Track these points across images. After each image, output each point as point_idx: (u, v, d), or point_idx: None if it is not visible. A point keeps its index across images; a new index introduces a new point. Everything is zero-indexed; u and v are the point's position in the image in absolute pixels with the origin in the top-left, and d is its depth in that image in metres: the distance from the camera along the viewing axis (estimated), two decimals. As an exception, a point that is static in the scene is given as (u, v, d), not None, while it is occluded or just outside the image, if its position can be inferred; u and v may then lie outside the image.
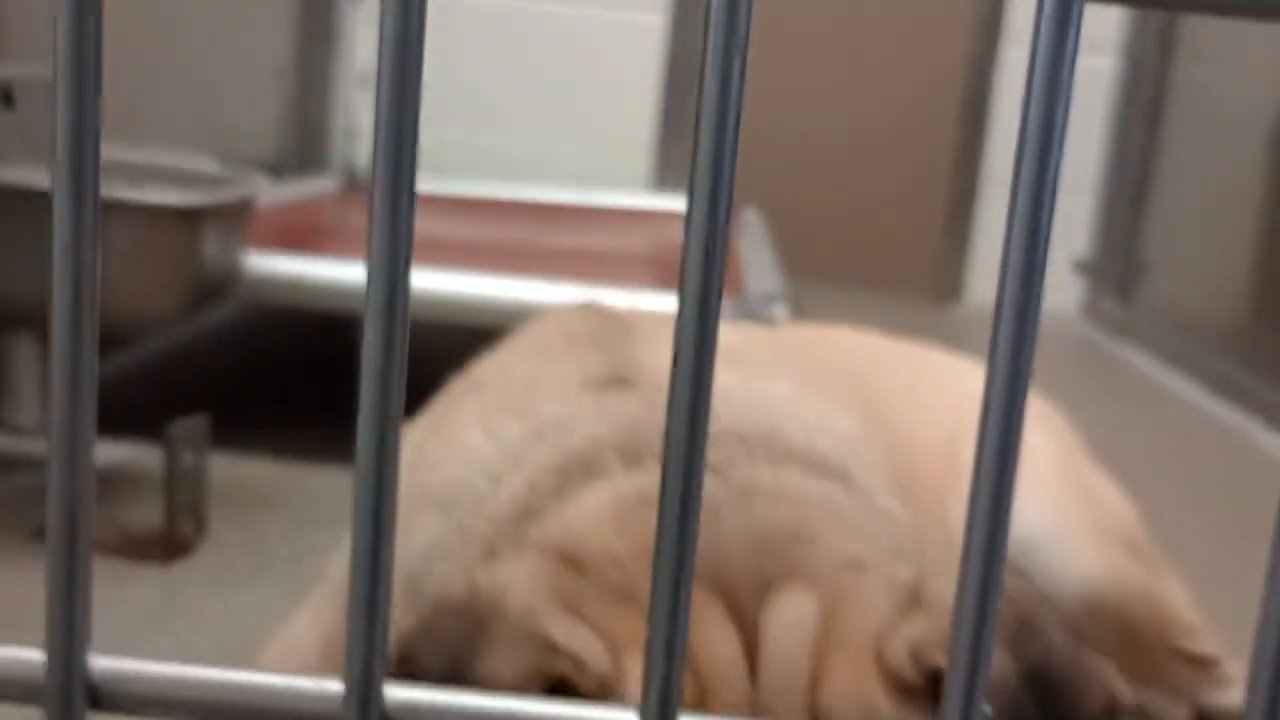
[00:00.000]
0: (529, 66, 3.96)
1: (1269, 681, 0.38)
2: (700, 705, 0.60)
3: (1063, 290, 4.05)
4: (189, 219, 1.64)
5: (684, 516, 0.38)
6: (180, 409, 1.57)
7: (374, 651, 0.41)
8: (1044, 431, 1.31)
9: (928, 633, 0.63)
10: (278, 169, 3.12)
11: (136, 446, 1.84)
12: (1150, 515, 1.44)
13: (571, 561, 0.64)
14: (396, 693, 0.42)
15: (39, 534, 1.57)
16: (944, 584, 0.64)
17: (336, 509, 1.76)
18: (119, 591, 1.44)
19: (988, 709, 0.41)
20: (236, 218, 1.80)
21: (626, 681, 0.59)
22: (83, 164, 0.37)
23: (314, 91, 3.65)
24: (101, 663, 0.43)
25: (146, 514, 1.60)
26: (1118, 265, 3.95)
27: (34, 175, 1.77)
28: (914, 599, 0.65)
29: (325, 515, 1.74)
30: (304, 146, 3.55)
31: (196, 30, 2.81)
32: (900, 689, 0.61)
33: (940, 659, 0.62)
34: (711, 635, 0.61)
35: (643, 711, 0.41)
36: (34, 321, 1.80)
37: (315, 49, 3.65)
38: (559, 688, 0.59)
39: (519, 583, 0.62)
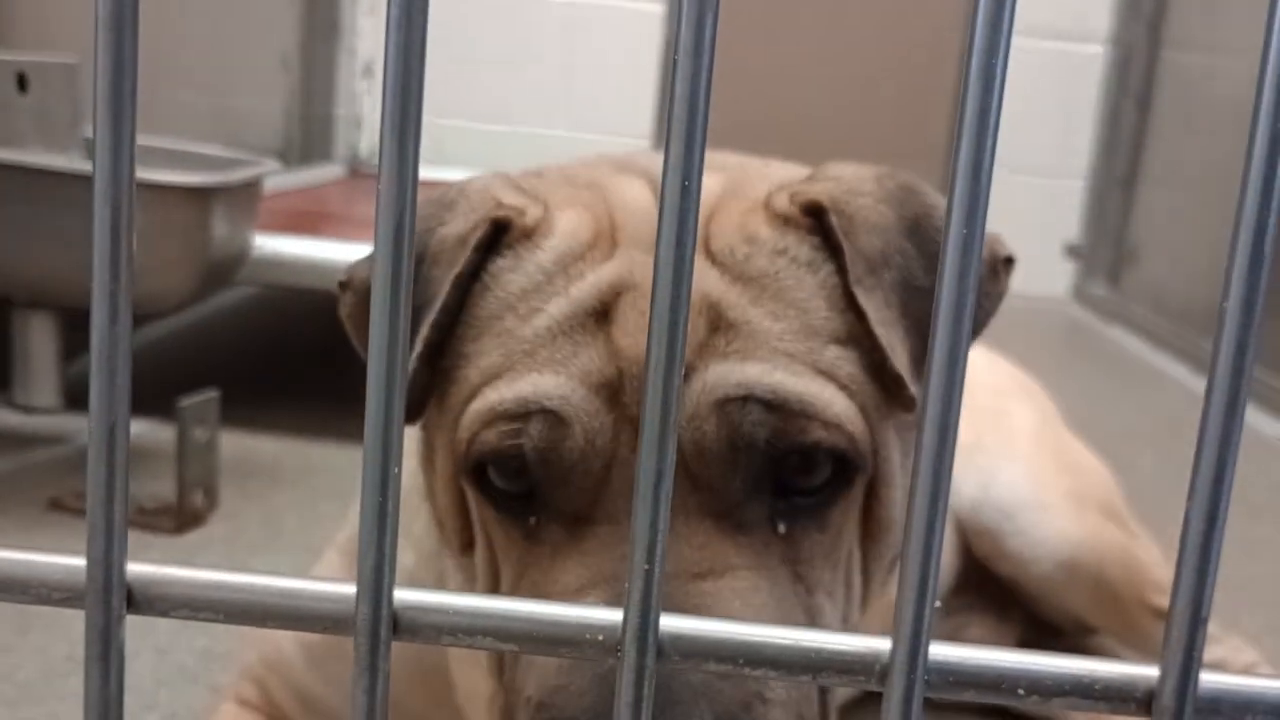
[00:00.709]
0: (529, 54, 3.99)
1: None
2: (610, 239, 0.72)
3: (1053, 274, 4.10)
4: (200, 198, 1.69)
5: (663, 429, 0.43)
6: (192, 386, 1.62)
7: (384, 556, 0.45)
8: (1025, 404, 1.35)
9: (812, 187, 0.73)
10: (284, 157, 3.17)
11: (150, 423, 1.89)
12: (1137, 489, 1.48)
13: (533, 171, 0.82)
14: (405, 595, 0.47)
15: (56, 505, 1.62)
16: (840, 166, 0.76)
17: (343, 482, 1.81)
18: (134, 559, 1.49)
19: (938, 602, 0.46)
20: (246, 198, 1.84)
21: (555, 225, 0.73)
22: (120, 146, 0.42)
23: (318, 81, 3.69)
24: (138, 568, 0.47)
25: (160, 488, 1.65)
26: (1108, 249, 3.99)
27: (48, 158, 1.82)
28: (810, 178, 0.76)
29: (332, 488, 1.79)
30: (309, 135, 3.59)
31: (203, 21, 2.85)
32: (781, 221, 0.72)
33: (818, 196, 0.72)
34: (631, 190, 0.76)
35: (626, 609, 0.45)
36: (48, 299, 1.85)
37: (319, 40, 3.70)
38: (499, 237, 0.72)
39: (486, 179, 0.78)
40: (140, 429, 1.87)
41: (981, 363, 1.35)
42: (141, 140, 0.41)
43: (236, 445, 1.87)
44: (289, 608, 0.47)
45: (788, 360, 0.67)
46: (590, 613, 0.45)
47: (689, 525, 0.66)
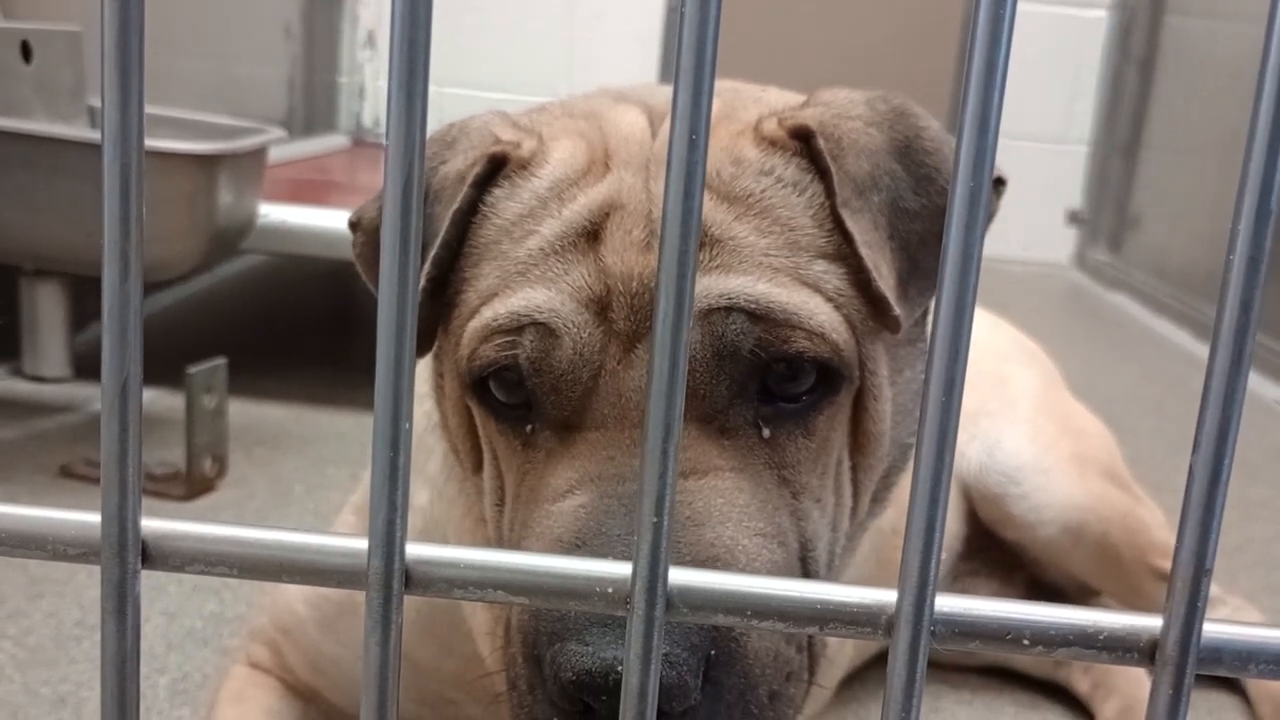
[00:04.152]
0: (531, 22, 3.97)
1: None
2: (604, 164, 0.74)
3: (1055, 240, 4.09)
4: (205, 166, 1.69)
5: (671, 382, 0.43)
6: (200, 354, 1.62)
7: (396, 510, 0.46)
8: (1028, 369, 1.36)
9: (802, 112, 0.75)
10: (288, 126, 3.16)
11: (158, 391, 1.90)
12: (1138, 452, 1.49)
13: (537, 108, 0.83)
14: (417, 549, 0.47)
15: (66, 473, 1.63)
16: (833, 92, 0.77)
17: (349, 448, 1.82)
18: (143, 526, 1.50)
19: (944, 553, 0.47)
20: (251, 166, 1.84)
21: (550, 155, 0.75)
22: (128, 104, 0.42)
23: (321, 50, 3.68)
24: (152, 524, 0.48)
25: (169, 455, 1.66)
26: (1109, 216, 3.98)
27: (53, 126, 1.82)
28: (803, 104, 0.77)
29: (338, 454, 1.80)
30: (312, 104, 3.58)
31: (206, -12, 2.84)
32: (769, 144, 0.73)
33: (807, 120, 0.73)
34: (625, 116, 0.78)
35: (635, 561, 0.46)
36: (55, 267, 1.86)
37: (322, 8, 3.68)
38: (496, 171, 0.75)
39: (486, 116, 0.81)
40: (149, 397, 1.88)
41: (984, 328, 1.36)
42: (146, 109, 0.42)
43: (244, 412, 1.87)
44: (302, 562, 0.48)
45: (772, 273, 0.69)
46: (600, 566, 0.46)
47: None
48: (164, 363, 1.63)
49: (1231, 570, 1.56)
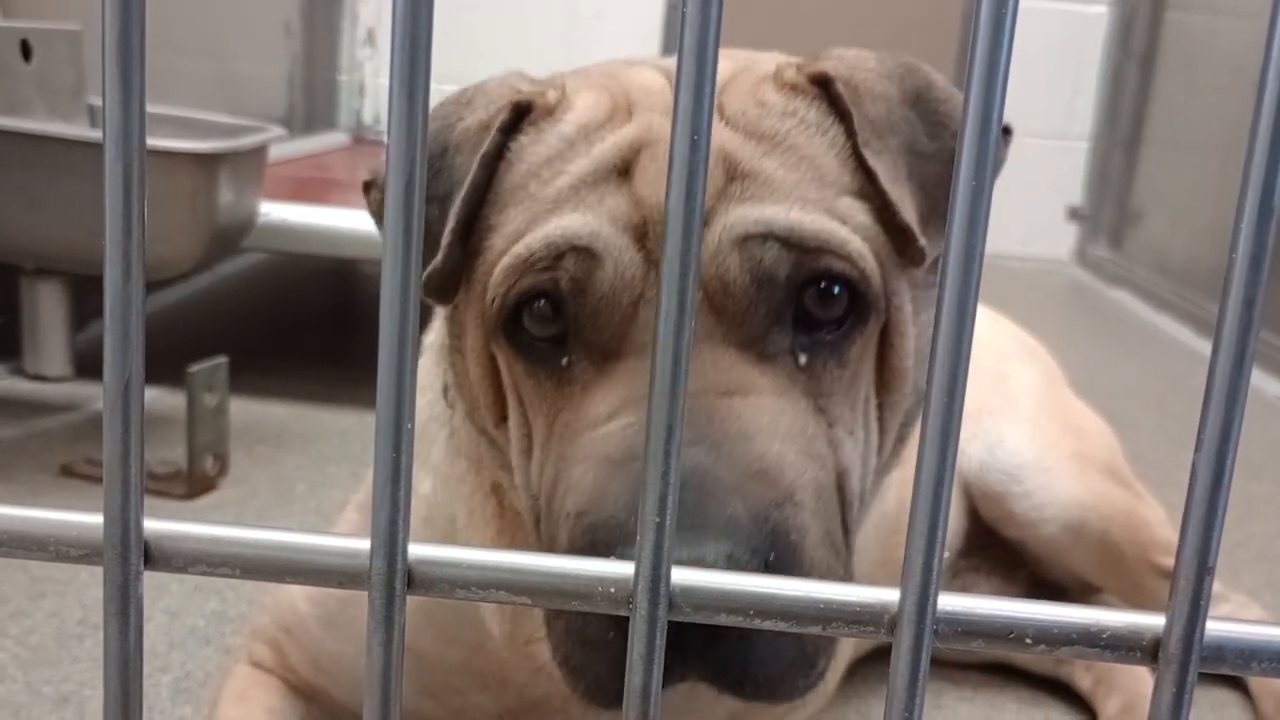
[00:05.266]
0: (530, 18, 3.97)
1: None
2: (625, 113, 0.76)
3: (1056, 237, 4.09)
4: (206, 165, 1.69)
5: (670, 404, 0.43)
6: (201, 353, 1.62)
7: (398, 510, 0.46)
8: (1029, 366, 1.36)
9: (818, 62, 0.77)
10: (288, 124, 3.16)
11: (160, 389, 1.90)
12: (1140, 449, 1.49)
13: (546, 77, 0.83)
14: (419, 549, 0.47)
15: (67, 472, 1.63)
16: (841, 50, 0.79)
17: (351, 446, 1.82)
18: (145, 525, 1.50)
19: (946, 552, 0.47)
20: (252, 165, 1.84)
21: (574, 103, 0.76)
22: (130, 102, 0.42)
23: (321, 48, 3.68)
24: (154, 525, 0.48)
25: (170, 453, 1.66)
26: (1110, 212, 3.98)
27: (53, 125, 1.82)
28: (814, 58, 0.80)
29: (340, 452, 1.80)
30: (312, 102, 3.58)
31: (206, -14, 2.84)
32: (790, 88, 0.76)
33: (825, 67, 0.76)
34: (641, 73, 0.80)
35: (637, 561, 0.46)
36: (56, 266, 1.86)
37: (321, 6, 3.68)
38: (519, 120, 0.76)
39: (501, 76, 0.81)
40: (150, 395, 1.87)
41: (985, 326, 1.36)
42: (147, 108, 0.42)
43: (245, 411, 1.87)
44: (304, 562, 0.48)
45: (803, 204, 0.71)
46: (602, 566, 0.46)
47: (714, 353, 0.70)
48: (165, 361, 1.63)
49: (1234, 566, 1.56)
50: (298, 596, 0.98)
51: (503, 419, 0.78)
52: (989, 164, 0.39)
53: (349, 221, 1.99)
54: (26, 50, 1.89)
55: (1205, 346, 3.06)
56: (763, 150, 0.72)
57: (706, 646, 0.62)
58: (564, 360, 0.72)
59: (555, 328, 0.72)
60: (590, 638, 0.66)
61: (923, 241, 0.73)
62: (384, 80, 3.77)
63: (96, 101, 2.00)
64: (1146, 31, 3.83)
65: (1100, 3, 3.97)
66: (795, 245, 0.70)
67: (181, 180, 1.66)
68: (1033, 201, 3.96)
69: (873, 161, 0.72)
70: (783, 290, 0.70)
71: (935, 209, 0.74)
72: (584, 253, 0.70)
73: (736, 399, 0.68)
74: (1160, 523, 1.25)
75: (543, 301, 0.71)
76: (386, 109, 0.41)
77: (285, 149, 2.72)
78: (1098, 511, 1.24)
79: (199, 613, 1.29)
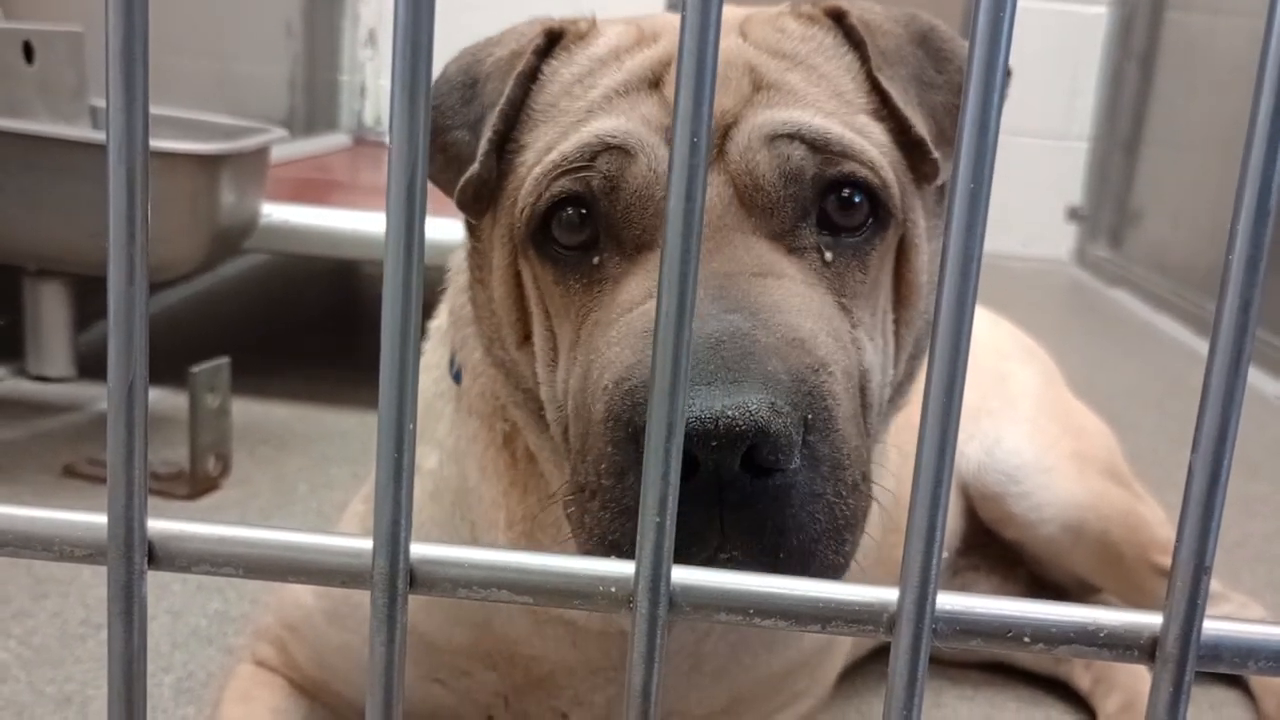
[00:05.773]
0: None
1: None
2: (653, 38, 0.80)
3: (1056, 237, 4.09)
4: (208, 166, 1.69)
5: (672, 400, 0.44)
6: (203, 354, 1.63)
7: (401, 510, 0.46)
8: (1028, 366, 1.36)
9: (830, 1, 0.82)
10: (289, 125, 3.16)
11: (162, 390, 1.90)
12: (1139, 449, 1.49)
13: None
14: (421, 549, 0.47)
15: (70, 472, 1.64)
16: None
17: (352, 447, 1.82)
18: (147, 525, 1.50)
19: (945, 553, 0.47)
20: (254, 166, 1.85)
21: (604, 31, 0.81)
22: (133, 105, 0.42)
23: (322, 49, 3.68)
24: (158, 524, 0.48)
25: (173, 454, 1.66)
26: (1110, 212, 3.98)
27: (55, 126, 1.82)
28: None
29: (342, 453, 1.80)
30: (313, 103, 3.58)
31: (207, -12, 2.84)
32: (807, 18, 0.82)
33: (838, 2, 0.81)
34: (668, 16, 0.81)
35: (638, 563, 0.46)
36: (59, 268, 1.86)
37: (322, 7, 3.68)
38: (551, 47, 0.81)
39: (529, 19, 0.85)
40: (153, 396, 1.87)
41: (984, 326, 1.36)
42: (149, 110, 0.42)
43: (247, 411, 1.88)
44: (307, 562, 0.48)
45: (826, 114, 0.75)
46: (603, 566, 0.46)
47: (746, 240, 0.73)
48: (167, 362, 1.63)
49: (1232, 566, 1.56)
50: (303, 591, 0.98)
51: (526, 338, 0.81)
52: (988, 168, 0.39)
53: (350, 223, 1.99)
54: (28, 52, 1.89)
55: (1204, 346, 3.02)
56: (785, 66, 0.77)
57: (743, 510, 0.63)
58: (594, 259, 0.75)
59: (583, 235, 0.75)
60: (629, 507, 0.66)
61: (935, 154, 0.77)
62: (385, 81, 3.78)
63: (98, 103, 2.01)
64: (1146, 31, 3.84)
65: (1100, 3, 3.97)
66: (820, 148, 0.74)
67: (183, 182, 1.66)
68: (1032, 201, 3.96)
69: (887, 84, 0.77)
70: (810, 189, 0.74)
71: (944, 134, 0.79)
72: (618, 150, 0.73)
73: (770, 279, 0.71)
74: (1160, 522, 1.26)
75: (570, 210, 0.74)
76: (388, 110, 0.42)
77: (286, 150, 2.73)
78: (1097, 511, 1.24)
79: (202, 612, 1.30)
